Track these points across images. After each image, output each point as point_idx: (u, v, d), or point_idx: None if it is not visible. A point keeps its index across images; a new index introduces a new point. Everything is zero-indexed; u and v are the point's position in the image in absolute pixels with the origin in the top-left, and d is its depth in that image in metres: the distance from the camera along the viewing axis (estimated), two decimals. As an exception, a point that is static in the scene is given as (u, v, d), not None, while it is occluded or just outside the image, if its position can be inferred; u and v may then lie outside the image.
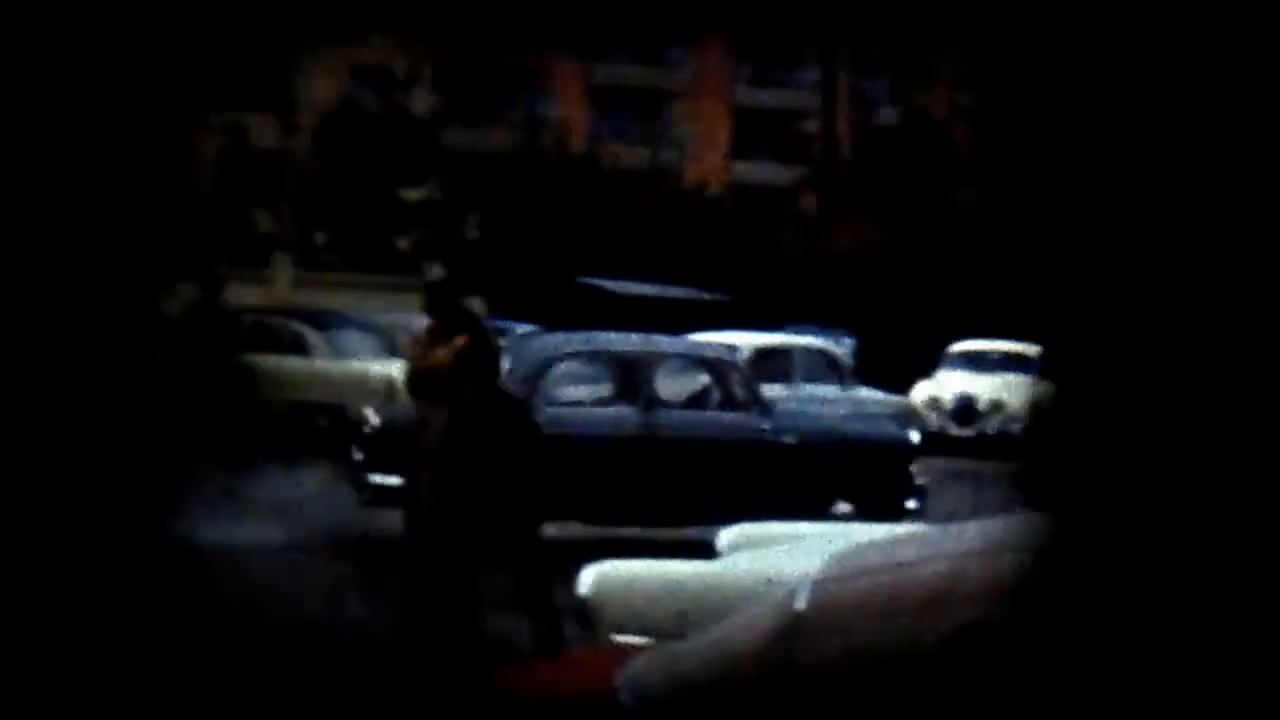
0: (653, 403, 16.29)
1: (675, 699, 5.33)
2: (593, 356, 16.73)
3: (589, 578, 9.36)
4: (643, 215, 39.20)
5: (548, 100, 54.85)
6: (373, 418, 15.99)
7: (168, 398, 22.86)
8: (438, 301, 14.11)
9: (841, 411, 19.88)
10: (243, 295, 27.15)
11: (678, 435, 16.15)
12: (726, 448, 16.16)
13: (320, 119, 42.17)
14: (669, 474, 15.87)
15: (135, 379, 20.65)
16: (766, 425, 16.46)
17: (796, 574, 5.80)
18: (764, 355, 22.36)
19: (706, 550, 10.13)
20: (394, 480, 15.33)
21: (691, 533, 15.83)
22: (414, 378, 13.85)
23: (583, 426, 15.48)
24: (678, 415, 16.40)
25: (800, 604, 4.64)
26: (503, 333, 21.06)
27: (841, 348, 26.74)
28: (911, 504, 15.87)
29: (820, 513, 14.69)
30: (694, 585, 8.85)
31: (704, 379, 16.89)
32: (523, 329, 21.87)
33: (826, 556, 5.06)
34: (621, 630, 8.92)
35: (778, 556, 8.50)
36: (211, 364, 22.19)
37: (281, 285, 29.32)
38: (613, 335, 17.93)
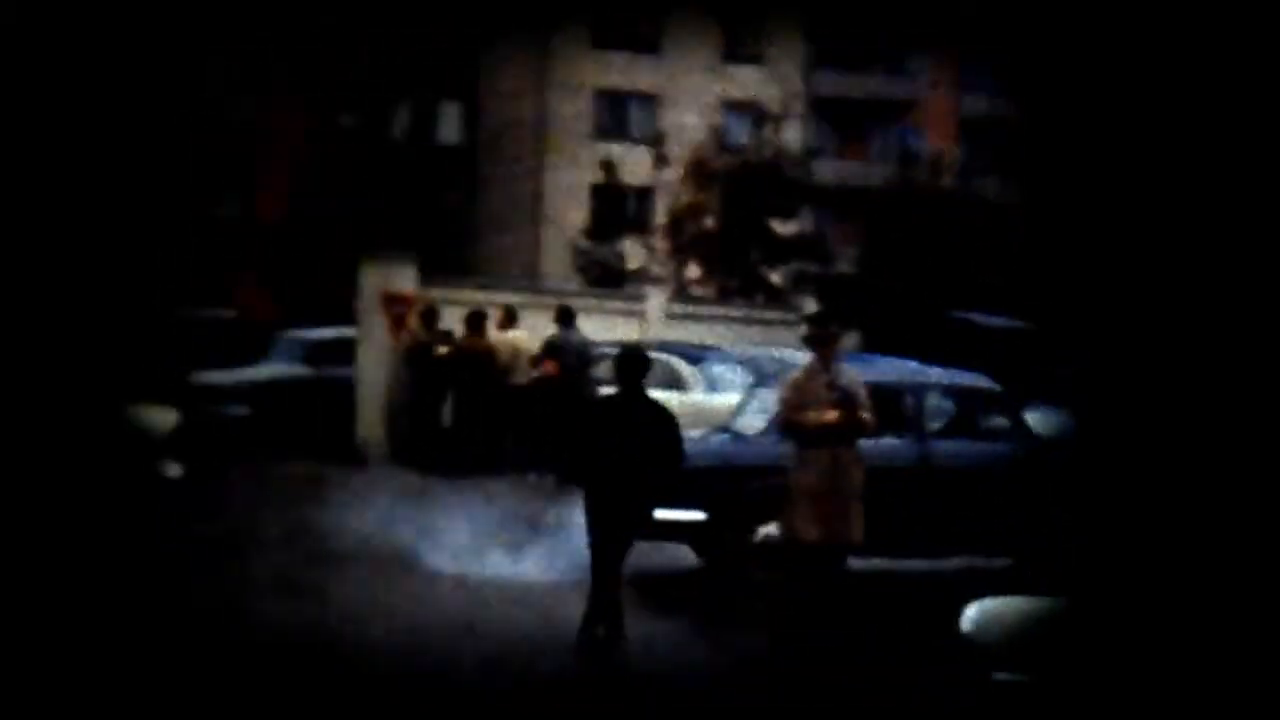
0: (924, 433, 16.30)
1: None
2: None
3: (971, 614, 9.22)
4: (1013, 249, 38.60)
5: (918, 133, 54.53)
6: None
7: (523, 431, 23.08)
8: (818, 337, 14.00)
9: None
10: (617, 329, 27.44)
11: (947, 465, 16.15)
12: (992, 477, 16.14)
13: (691, 152, 42.43)
14: (940, 503, 15.89)
15: (489, 416, 20.87)
16: (1031, 454, 16.41)
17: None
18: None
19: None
20: (687, 515, 15.40)
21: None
22: (793, 420, 13.68)
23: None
24: (946, 445, 16.38)
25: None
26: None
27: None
28: None
29: None
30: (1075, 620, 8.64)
31: (970, 409, 16.83)
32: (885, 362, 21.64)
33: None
34: (1003, 666, 8.78)
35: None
36: (567, 397, 22.47)
37: (654, 319, 29.53)
38: (882, 365, 17.83)
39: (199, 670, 11.54)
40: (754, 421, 16.66)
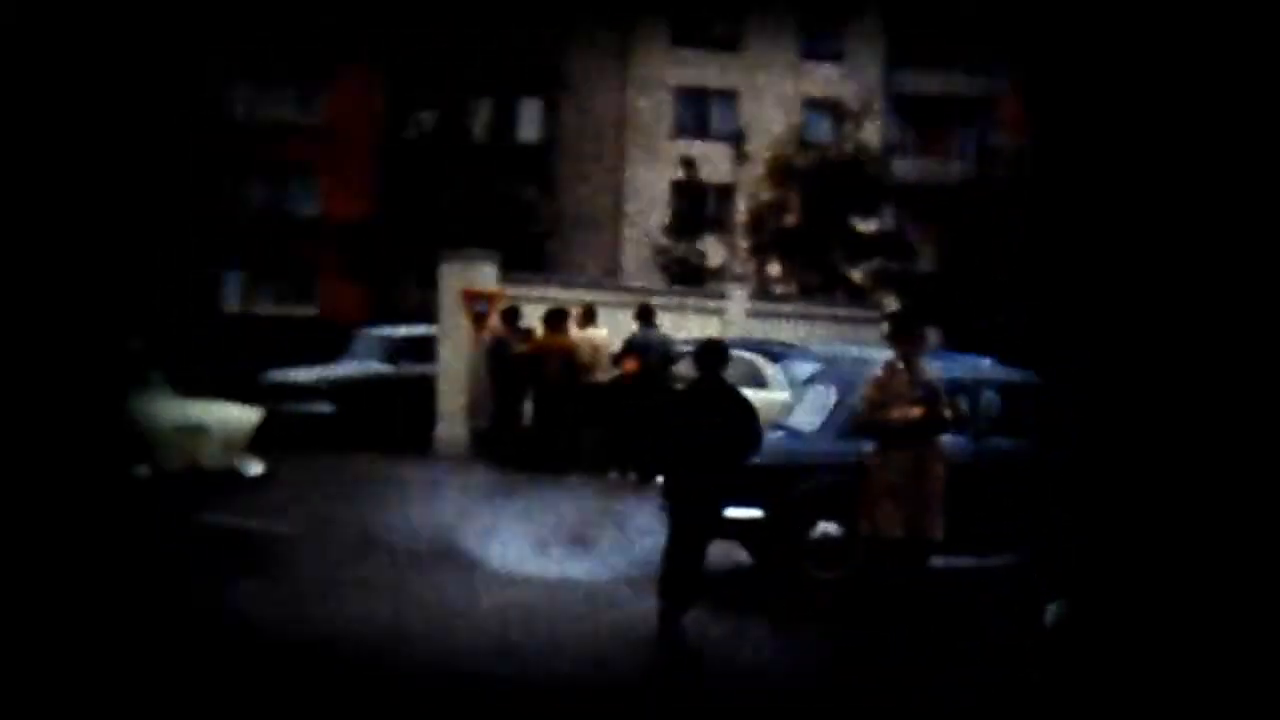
0: (982, 429, 16.12)
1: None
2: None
3: (1053, 612, 9.21)
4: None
5: (998, 130, 54.25)
6: None
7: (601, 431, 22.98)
8: (901, 333, 13.92)
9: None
10: (698, 328, 27.41)
11: (1001, 462, 15.98)
12: (1045, 475, 15.96)
13: (772, 150, 42.37)
14: (996, 501, 15.72)
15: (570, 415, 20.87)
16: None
17: None
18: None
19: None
20: (743, 513, 15.24)
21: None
22: (875, 418, 13.59)
23: None
24: (1001, 442, 16.19)
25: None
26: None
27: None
28: None
29: None
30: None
31: (1022, 405, 16.63)
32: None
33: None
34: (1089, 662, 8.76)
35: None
36: (647, 395, 22.47)
37: (735, 317, 29.48)
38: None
39: (265, 662, 11.57)
40: (809, 418, 16.46)
